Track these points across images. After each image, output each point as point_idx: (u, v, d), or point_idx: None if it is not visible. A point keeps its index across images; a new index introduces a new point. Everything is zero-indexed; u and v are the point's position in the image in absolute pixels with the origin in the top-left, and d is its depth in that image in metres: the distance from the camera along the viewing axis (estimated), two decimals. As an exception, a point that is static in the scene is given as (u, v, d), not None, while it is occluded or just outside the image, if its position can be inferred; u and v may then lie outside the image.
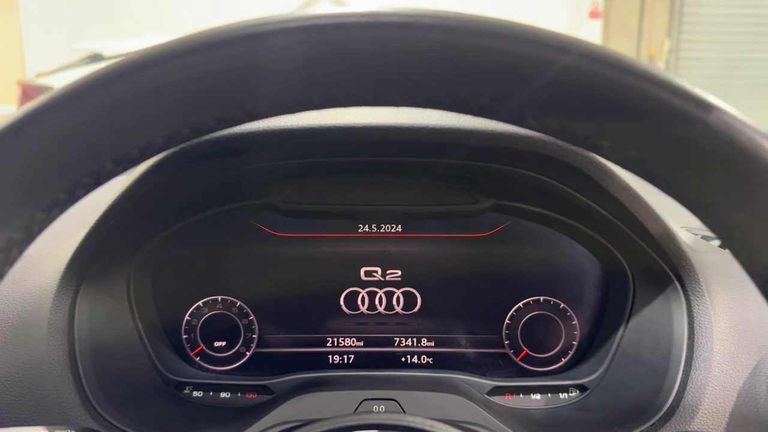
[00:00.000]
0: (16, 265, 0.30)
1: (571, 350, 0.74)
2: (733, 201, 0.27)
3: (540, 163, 0.64)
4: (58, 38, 7.75)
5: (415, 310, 0.74)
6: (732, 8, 6.48)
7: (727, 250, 0.83)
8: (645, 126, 0.27)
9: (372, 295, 0.74)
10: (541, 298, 0.74)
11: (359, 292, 0.74)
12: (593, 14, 7.21)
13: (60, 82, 6.53)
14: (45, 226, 0.31)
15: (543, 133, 0.30)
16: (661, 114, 0.27)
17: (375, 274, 0.74)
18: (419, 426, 0.43)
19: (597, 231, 0.70)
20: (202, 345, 0.74)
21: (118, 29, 7.50)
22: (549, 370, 0.74)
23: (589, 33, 7.13)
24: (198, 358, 0.74)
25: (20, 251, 0.30)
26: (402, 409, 0.65)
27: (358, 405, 0.65)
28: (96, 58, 6.06)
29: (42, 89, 5.93)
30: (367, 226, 0.73)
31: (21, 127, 0.29)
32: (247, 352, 0.74)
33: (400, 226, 0.73)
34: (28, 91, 6.05)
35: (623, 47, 7.02)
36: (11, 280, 0.66)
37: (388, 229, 0.73)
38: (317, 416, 0.64)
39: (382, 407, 0.64)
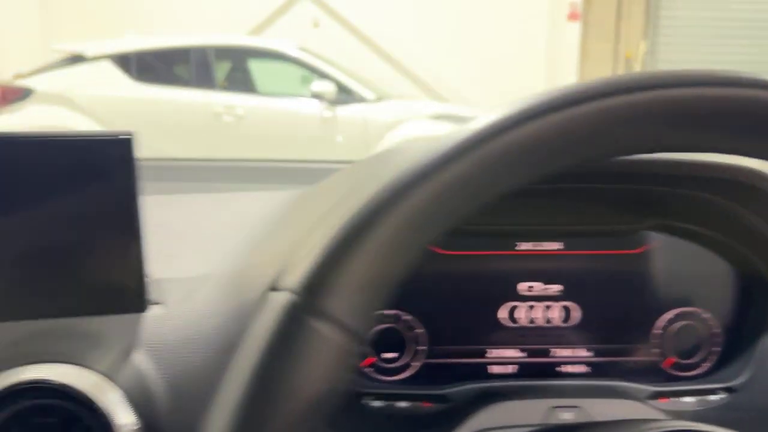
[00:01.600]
0: None
1: (715, 356, 0.80)
2: None
3: (717, 185, 0.69)
4: (30, 38, 7.54)
5: (573, 322, 0.79)
6: (707, 11, 6.71)
7: None
8: None
9: (530, 309, 0.79)
10: (687, 309, 0.80)
11: (518, 306, 0.79)
12: (572, 16, 7.33)
13: (40, 83, 6.29)
14: None
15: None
16: None
17: (533, 288, 0.79)
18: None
19: (747, 247, 0.76)
20: (374, 357, 0.78)
21: (93, 28, 7.33)
22: (695, 375, 0.80)
23: (568, 35, 7.25)
24: (371, 369, 0.78)
25: None
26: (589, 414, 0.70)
27: (548, 413, 0.69)
28: (77, 59, 5.89)
29: (22, 91, 5.76)
30: (525, 243, 0.78)
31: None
32: (417, 363, 0.78)
33: (561, 243, 0.78)
34: (6, 93, 5.86)
35: (601, 49, 7.17)
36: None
37: (548, 246, 0.78)
38: (512, 423, 0.69)
39: (572, 414, 0.69)
